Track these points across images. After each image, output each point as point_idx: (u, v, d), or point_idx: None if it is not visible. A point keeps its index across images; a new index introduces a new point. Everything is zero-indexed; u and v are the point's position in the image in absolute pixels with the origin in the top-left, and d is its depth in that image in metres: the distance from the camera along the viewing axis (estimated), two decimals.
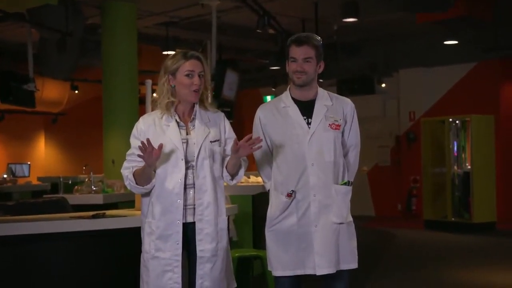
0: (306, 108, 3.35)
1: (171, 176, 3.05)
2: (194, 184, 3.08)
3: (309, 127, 3.31)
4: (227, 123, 3.27)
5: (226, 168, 3.19)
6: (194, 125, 3.15)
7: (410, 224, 11.88)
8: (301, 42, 3.31)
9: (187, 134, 3.11)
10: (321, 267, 3.25)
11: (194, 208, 3.08)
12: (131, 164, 3.11)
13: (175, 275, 3.03)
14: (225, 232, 3.17)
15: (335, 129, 3.33)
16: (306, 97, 3.37)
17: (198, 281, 3.06)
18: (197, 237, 3.07)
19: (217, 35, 8.37)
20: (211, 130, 3.16)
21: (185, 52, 3.13)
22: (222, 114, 3.28)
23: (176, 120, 3.12)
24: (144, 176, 3.04)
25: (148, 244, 3.07)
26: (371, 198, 13.59)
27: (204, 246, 3.07)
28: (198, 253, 3.06)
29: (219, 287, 3.12)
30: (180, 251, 3.04)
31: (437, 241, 9.85)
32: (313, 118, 3.32)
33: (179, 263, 3.04)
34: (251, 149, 3.09)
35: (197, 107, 3.17)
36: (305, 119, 3.33)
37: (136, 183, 3.07)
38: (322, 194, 3.27)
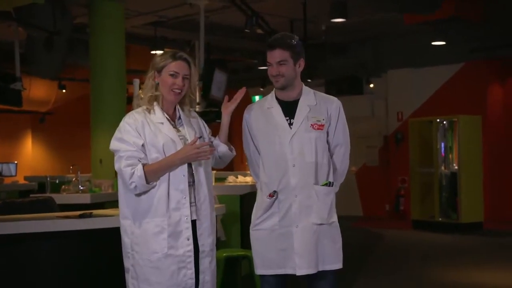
0: (289, 109, 3.35)
1: (174, 174, 3.04)
2: (193, 180, 3.10)
3: (290, 128, 3.31)
4: (202, 120, 3.35)
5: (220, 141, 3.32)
6: (181, 123, 3.18)
7: (398, 224, 11.93)
8: (273, 46, 3.30)
9: (178, 132, 3.14)
10: (301, 267, 3.26)
11: (195, 205, 3.10)
12: (131, 161, 2.99)
13: (189, 271, 3.04)
14: (216, 227, 3.26)
15: (318, 129, 3.31)
16: (289, 97, 3.37)
17: (200, 276, 3.10)
18: (198, 232, 3.09)
19: (205, 35, 8.36)
20: (195, 127, 3.22)
21: (175, 52, 3.16)
22: (194, 112, 3.33)
23: (166, 118, 3.13)
24: (162, 173, 3.01)
25: (158, 243, 3.00)
26: (359, 198, 13.63)
27: (204, 240, 3.12)
28: (200, 248, 3.10)
29: (214, 280, 3.20)
30: (191, 247, 3.05)
31: (425, 241, 9.90)
32: (295, 118, 3.32)
33: (192, 259, 3.06)
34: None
35: (178, 107, 3.21)
36: (287, 119, 3.33)
37: (146, 181, 2.98)
38: (303, 195, 3.27)
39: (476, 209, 10.78)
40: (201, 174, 3.13)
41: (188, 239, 3.04)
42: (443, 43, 11.62)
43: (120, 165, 3.01)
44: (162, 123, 3.09)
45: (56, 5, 8.56)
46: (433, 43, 11.68)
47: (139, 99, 3.18)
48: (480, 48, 11.34)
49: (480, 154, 11.03)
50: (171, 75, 3.11)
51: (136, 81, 5.02)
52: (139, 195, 3.04)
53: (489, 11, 10.10)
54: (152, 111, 3.11)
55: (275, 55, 3.29)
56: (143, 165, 2.99)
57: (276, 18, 9.89)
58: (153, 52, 10.68)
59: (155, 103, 3.13)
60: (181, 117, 3.19)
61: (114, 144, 3.07)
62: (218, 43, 11.84)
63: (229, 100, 3.33)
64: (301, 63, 3.35)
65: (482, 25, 10.44)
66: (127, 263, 3.10)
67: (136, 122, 3.06)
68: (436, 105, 12.30)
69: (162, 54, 3.18)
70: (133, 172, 2.97)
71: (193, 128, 3.19)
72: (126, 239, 3.09)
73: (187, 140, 3.11)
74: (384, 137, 13.40)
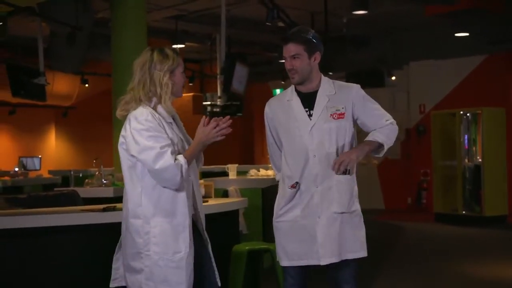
0: (308, 100, 3.36)
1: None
2: (193, 176, 3.14)
3: (310, 119, 3.32)
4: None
5: None
6: (176, 122, 3.17)
7: (420, 217, 11.86)
8: (287, 40, 3.32)
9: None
10: (325, 256, 3.27)
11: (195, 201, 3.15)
12: (174, 155, 2.92)
13: (206, 266, 3.13)
14: None
15: (338, 118, 3.32)
16: (308, 88, 3.39)
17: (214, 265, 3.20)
18: (203, 227, 3.17)
19: (226, 29, 8.36)
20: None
21: (175, 49, 3.14)
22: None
23: (172, 117, 3.11)
24: (193, 160, 3.05)
25: (181, 243, 2.98)
26: (381, 191, 13.57)
27: (203, 231, 3.18)
28: (204, 238, 3.18)
29: None
30: (202, 242, 3.15)
31: (447, 234, 9.83)
32: (314, 109, 3.34)
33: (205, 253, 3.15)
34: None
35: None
36: (306, 111, 3.35)
37: None
38: (324, 185, 3.29)
39: (500, 202, 10.67)
40: (196, 169, 3.16)
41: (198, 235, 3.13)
42: (466, 34, 11.49)
43: (168, 160, 2.88)
44: (171, 123, 3.08)
45: (78, 0, 8.63)
46: (456, 34, 11.56)
47: (151, 101, 3.05)
48: (503, 39, 11.20)
49: (504, 147, 10.92)
50: (183, 72, 3.13)
51: None
52: (161, 193, 2.98)
53: (510, 2, 9.96)
54: (157, 111, 3.05)
55: (289, 49, 3.31)
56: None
57: (296, 11, 9.86)
58: (174, 46, 10.71)
59: (159, 104, 3.06)
60: (174, 115, 3.16)
61: (146, 144, 2.92)
62: (239, 37, 11.84)
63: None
64: (317, 56, 3.36)
65: (505, 16, 10.30)
66: (138, 264, 3.00)
67: (156, 120, 2.99)
68: (458, 98, 12.18)
69: (167, 53, 3.06)
70: (181, 166, 2.92)
71: (183, 126, 3.22)
72: (138, 239, 2.99)
73: (186, 138, 3.14)
74: (406, 130, 13.31)
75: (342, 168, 3.21)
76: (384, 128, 3.36)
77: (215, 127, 2.96)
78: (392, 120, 3.42)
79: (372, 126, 3.38)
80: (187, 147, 3.09)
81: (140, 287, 3.00)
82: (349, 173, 3.33)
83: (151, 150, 2.91)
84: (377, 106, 3.43)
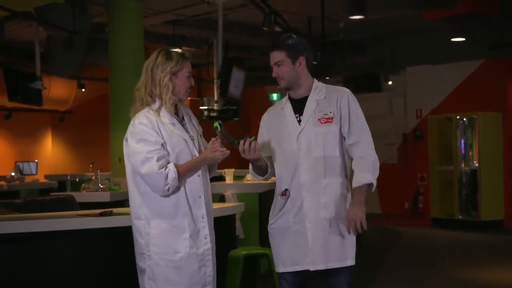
0: (299, 106, 3.36)
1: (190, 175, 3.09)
2: (201, 179, 3.14)
3: (300, 125, 3.32)
4: (195, 117, 3.32)
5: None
6: (185, 122, 3.19)
7: (417, 222, 11.86)
8: (271, 48, 3.36)
9: (187, 132, 3.16)
10: (315, 263, 3.26)
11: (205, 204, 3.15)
12: (162, 161, 2.96)
13: (209, 269, 3.10)
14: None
15: (326, 123, 3.28)
16: (299, 94, 3.39)
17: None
18: (209, 230, 3.14)
19: (223, 33, 8.37)
20: (194, 123, 3.24)
21: (182, 52, 3.14)
22: (188, 109, 3.31)
23: (176, 118, 3.12)
24: (189, 175, 3.04)
25: (180, 243, 3.02)
26: (377, 196, 13.56)
27: (212, 236, 3.17)
28: (210, 244, 3.15)
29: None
30: (209, 245, 3.11)
31: (445, 239, 9.83)
32: (303, 114, 3.33)
33: (210, 257, 3.12)
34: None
35: (180, 106, 3.21)
36: (297, 116, 3.34)
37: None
38: (313, 190, 3.28)
39: (497, 207, 10.68)
40: (207, 172, 3.20)
41: (206, 238, 3.10)
42: (463, 39, 11.52)
43: (152, 167, 2.94)
44: (174, 124, 3.09)
45: (76, 5, 8.63)
46: (453, 39, 11.58)
47: (155, 102, 3.09)
48: (500, 44, 11.23)
49: (501, 151, 10.93)
50: (188, 76, 3.13)
51: None
52: (162, 197, 3.02)
53: (507, 7, 9.99)
54: (160, 113, 3.08)
55: (273, 56, 3.34)
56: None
57: (294, 15, 9.88)
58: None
59: (162, 106, 3.08)
60: (184, 116, 3.19)
61: (135, 147, 2.99)
62: (236, 41, 11.86)
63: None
64: (301, 60, 3.33)
65: (502, 21, 10.33)
66: (142, 264, 3.08)
67: (152, 123, 3.03)
68: (455, 102, 12.20)
69: (171, 55, 3.09)
70: (167, 174, 2.95)
71: (194, 126, 3.22)
72: (140, 240, 3.07)
73: (195, 139, 3.14)
74: (403, 134, 13.32)
75: (359, 228, 3.24)
76: (364, 160, 3.30)
77: (221, 150, 3.03)
78: (366, 137, 3.34)
79: (345, 133, 3.30)
80: (191, 148, 3.09)
81: (144, 286, 3.08)
82: (362, 228, 3.27)
83: (139, 155, 2.99)
84: (361, 116, 3.36)
